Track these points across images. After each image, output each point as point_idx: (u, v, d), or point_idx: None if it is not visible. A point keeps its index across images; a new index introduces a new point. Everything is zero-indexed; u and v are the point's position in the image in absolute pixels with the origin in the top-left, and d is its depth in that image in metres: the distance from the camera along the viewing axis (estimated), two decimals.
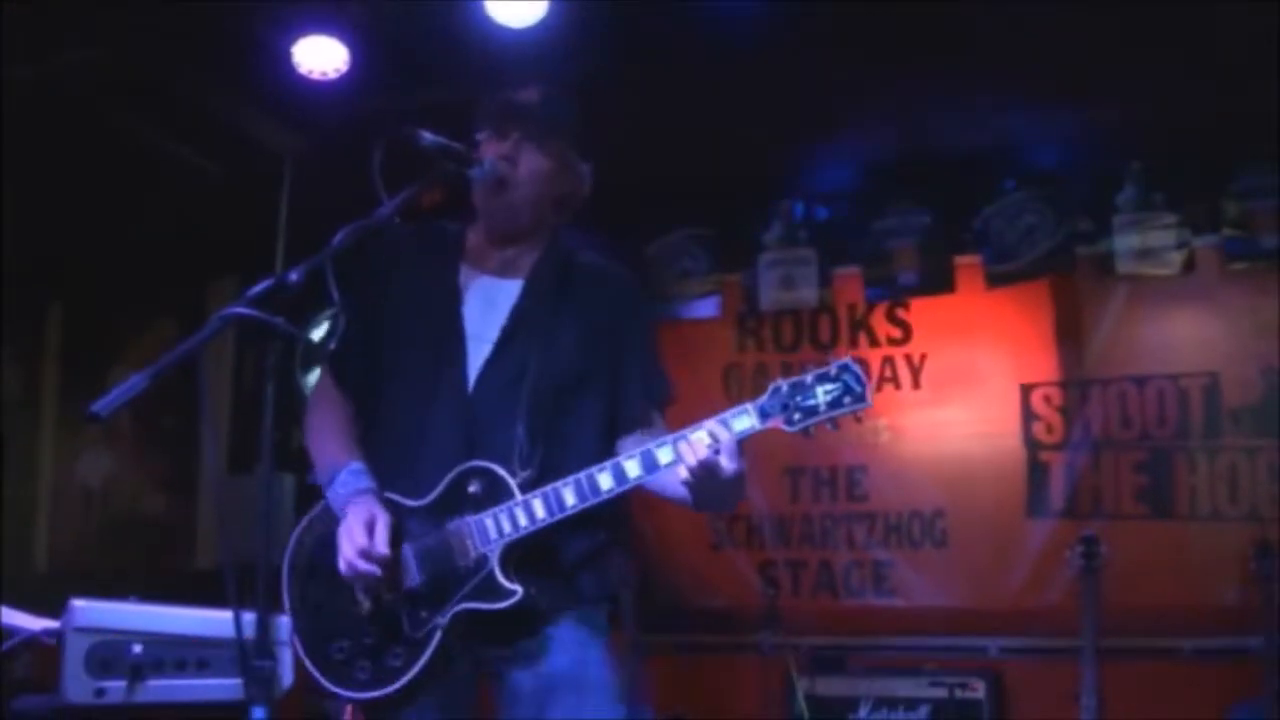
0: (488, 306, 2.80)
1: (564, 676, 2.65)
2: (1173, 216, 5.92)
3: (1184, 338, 5.89)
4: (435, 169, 2.66)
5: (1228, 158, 5.82)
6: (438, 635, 2.58)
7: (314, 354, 7.05)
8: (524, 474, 2.60)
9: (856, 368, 2.50)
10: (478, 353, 2.74)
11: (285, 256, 6.24)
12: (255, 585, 2.16)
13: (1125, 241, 6.00)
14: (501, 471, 2.60)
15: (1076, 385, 6.04)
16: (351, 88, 5.42)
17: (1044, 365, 6.10)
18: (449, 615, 2.58)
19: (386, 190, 2.55)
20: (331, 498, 2.72)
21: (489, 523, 2.58)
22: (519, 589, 2.55)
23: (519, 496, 2.57)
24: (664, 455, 2.52)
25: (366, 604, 2.63)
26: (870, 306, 6.42)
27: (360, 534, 2.57)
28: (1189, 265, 5.91)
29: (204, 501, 7.25)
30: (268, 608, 2.18)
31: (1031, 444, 6.06)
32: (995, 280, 6.20)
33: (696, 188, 6.41)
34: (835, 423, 2.52)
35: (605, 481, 2.54)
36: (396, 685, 2.59)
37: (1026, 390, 6.09)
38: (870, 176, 6.46)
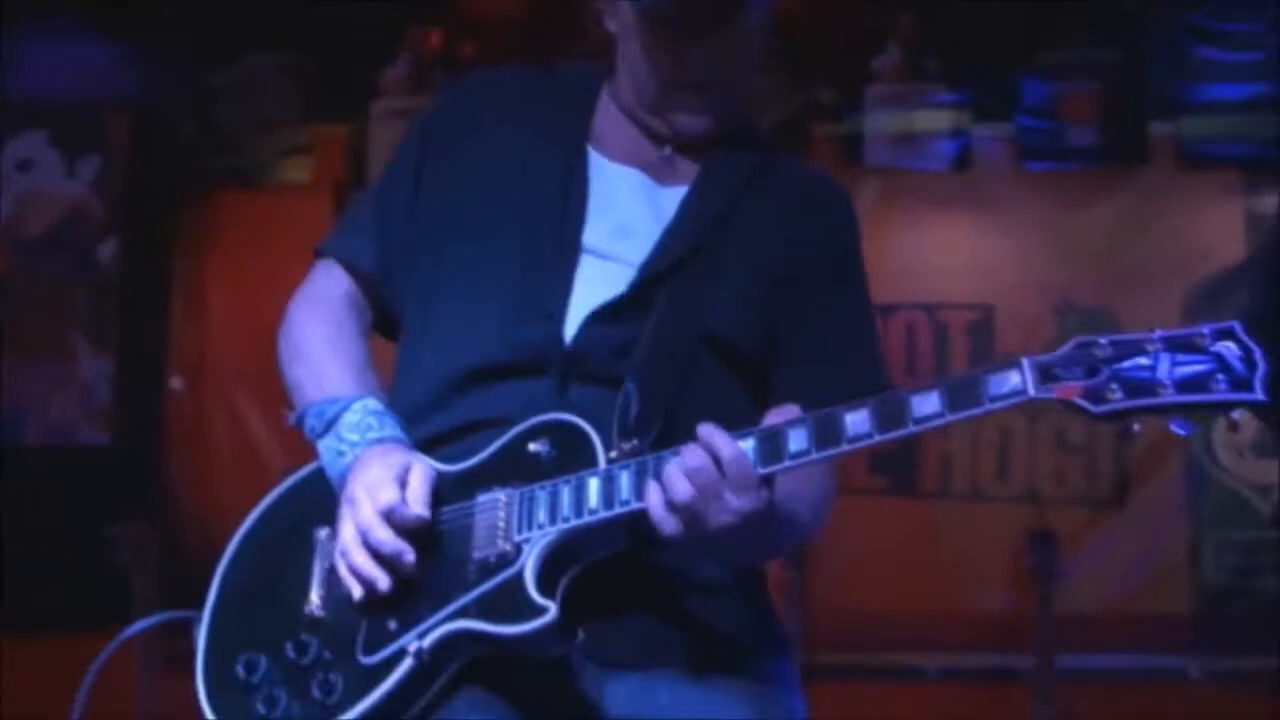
0: (622, 214, 2.48)
1: None
2: (950, 93, 5.90)
3: (950, 256, 5.86)
4: None
5: (1033, 24, 5.74)
6: (404, 667, 2.17)
7: None
8: (626, 444, 2.22)
9: (1244, 335, 2.01)
10: (594, 274, 2.41)
11: None
12: None
13: (879, 122, 5.95)
14: (586, 427, 2.23)
15: None
16: None
17: None
18: (434, 635, 2.17)
19: None
20: (326, 450, 2.37)
21: (541, 496, 2.22)
22: (551, 607, 2.13)
23: (602, 465, 2.19)
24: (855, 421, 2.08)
25: (355, 594, 2.26)
26: None
27: (387, 488, 2.22)
28: (966, 161, 5.89)
29: None
30: None
31: None
32: None
33: None
34: (1190, 425, 2.08)
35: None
36: None
37: None
38: None
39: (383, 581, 2.20)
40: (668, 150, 2.51)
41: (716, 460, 2.04)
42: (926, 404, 2.04)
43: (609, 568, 2.23)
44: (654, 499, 2.08)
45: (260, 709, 2.24)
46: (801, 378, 2.42)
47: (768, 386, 2.44)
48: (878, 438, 2.04)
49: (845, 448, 2.04)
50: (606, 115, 2.57)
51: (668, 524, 2.07)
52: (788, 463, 2.03)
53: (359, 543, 2.21)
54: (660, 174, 2.51)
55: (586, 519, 2.18)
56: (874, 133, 5.97)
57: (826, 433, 2.04)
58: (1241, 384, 2.00)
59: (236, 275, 5.80)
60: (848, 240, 2.60)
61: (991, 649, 5.43)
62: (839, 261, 2.57)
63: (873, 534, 5.65)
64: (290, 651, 2.26)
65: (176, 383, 6.32)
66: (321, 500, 2.38)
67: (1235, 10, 5.61)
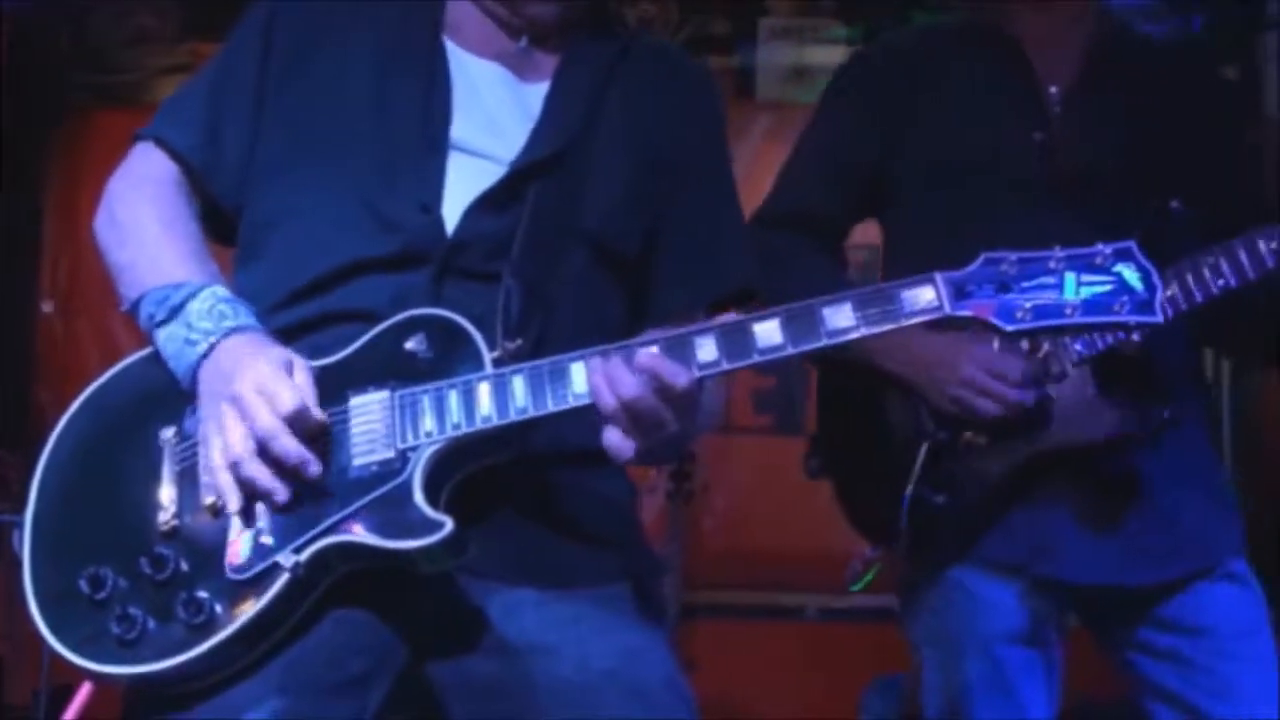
0: (488, 110, 2.38)
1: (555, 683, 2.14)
2: (843, 28, 5.87)
3: None
4: None
5: None
6: (279, 584, 2.01)
7: None
8: (510, 344, 2.12)
9: (1140, 257, 2.02)
10: (465, 171, 2.29)
11: None
12: None
13: (772, 55, 5.94)
14: (467, 325, 2.09)
15: None
16: None
17: None
18: (312, 549, 2.02)
19: None
20: (170, 338, 2.17)
21: (425, 400, 2.07)
22: (448, 521, 1.98)
23: (489, 369, 2.06)
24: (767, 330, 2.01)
25: (225, 503, 2.07)
26: None
27: (285, 388, 2.03)
28: None
29: None
30: None
31: None
32: None
33: None
34: (1095, 340, 2.28)
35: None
36: (170, 662, 2.01)
37: None
38: None
39: (282, 494, 2.03)
40: (524, 43, 2.42)
41: (663, 387, 1.96)
42: (839, 316, 2.02)
43: (479, 476, 2.12)
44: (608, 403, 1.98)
45: (114, 629, 2.05)
46: (677, 273, 2.39)
47: (643, 286, 2.40)
48: (791, 350, 2.00)
49: (756, 359, 2.01)
50: (457, 8, 2.46)
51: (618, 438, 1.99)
52: (696, 373, 1.97)
53: (253, 451, 2.03)
54: (520, 69, 2.42)
55: (480, 427, 2.05)
56: (766, 66, 5.94)
57: (735, 345, 2.00)
58: (1143, 305, 2.01)
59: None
60: (713, 123, 2.55)
61: (872, 590, 5.46)
62: (708, 149, 2.52)
63: (757, 472, 5.74)
64: (145, 566, 2.07)
65: (48, 306, 6.19)
66: (159, 395, 2.19)
67: None
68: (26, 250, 6.18)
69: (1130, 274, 2.04)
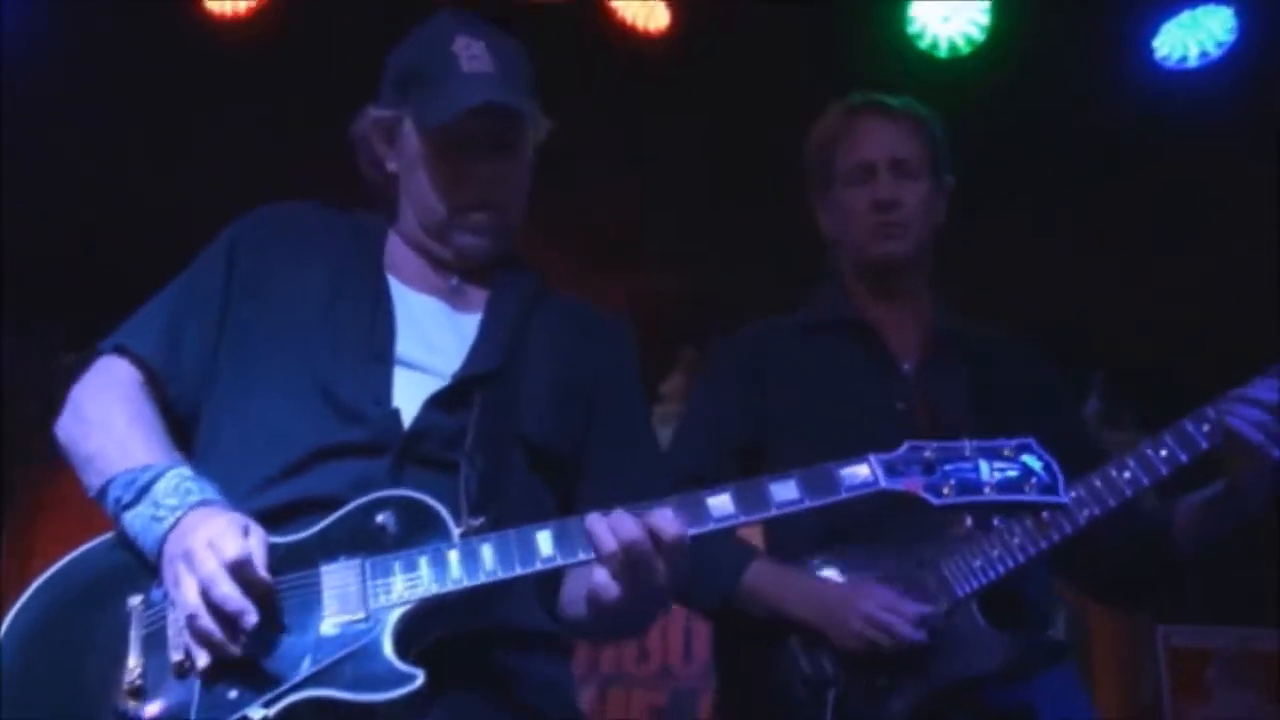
0: (427, 333, 2.52)
1: None
2: None
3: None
4: None
5: None
6: None
7: None
8: (475, 521, 2.22)
9: (1041, 450, 2.26)
10: (409, 380, 2.43)
11: None
12: None
13: (666, 436, 6.06)
14: (435, 504, 2.19)
15: None
16: None
17: None
18: (282, 703, 2.01)
19: None
20: (137, 518, 2.18)
21: (396, 567, 2.12)
22: (418, 674, 2.02)
23: (455, 539, 2.16)
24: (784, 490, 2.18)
25: (180, 661, 2.06)
26: None
27: (232, 540, 2.06)
28: None
29: None
30: None
31: None
32: None
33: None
34: (1007, 518, 2.42)
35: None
36: None
37: None
38: None
39: (234, 649, 2.03)
40: (455, 281, 2.61)
41: (656, 535, 2.09)
42: (785, 491, 2.18)
43: (435, 651, 2.14)
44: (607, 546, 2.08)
45: None
46: (603, 485, 2.48)
47: (569, 484, 2.53)
48: (742, 519, 2.17)
49: (711, 526, 2.15)
50: (396, 250, 2.64)
51: (611, 588, 2.11)
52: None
53: (205, 604, 2.04)
54: (454, 302, 2.58)
55: (450, 588, 2.10)
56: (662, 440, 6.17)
57: (695, 514, 2.15)
58: (1048, 488, 2.23)
59: (68, 539, 5.56)
60: (626, 356, 2.73)
61: None
62: (623, 377, 2.69)
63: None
64: None
65: None
66: (126, 569, 2.20)
67: None
68: None
69: (1034, 462, 2.24)
